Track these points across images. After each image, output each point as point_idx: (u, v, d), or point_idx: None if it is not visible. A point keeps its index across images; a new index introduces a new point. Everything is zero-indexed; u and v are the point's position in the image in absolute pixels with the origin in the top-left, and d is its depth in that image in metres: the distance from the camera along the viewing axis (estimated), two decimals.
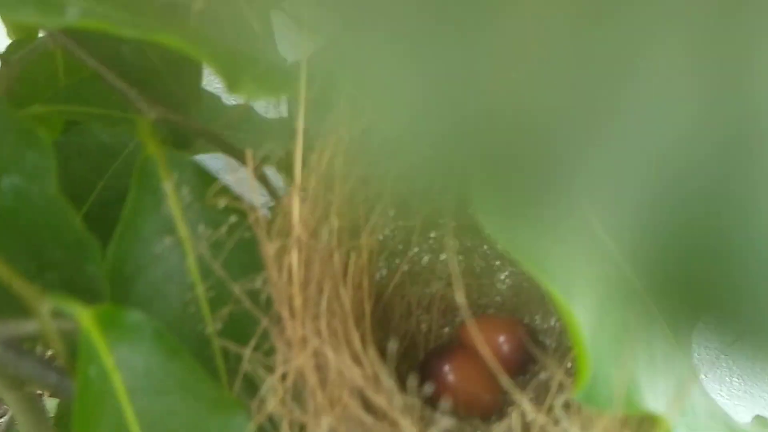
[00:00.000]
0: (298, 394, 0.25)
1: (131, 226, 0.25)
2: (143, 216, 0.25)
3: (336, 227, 0.25)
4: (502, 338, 0.32)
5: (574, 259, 0.19)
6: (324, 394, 0.24)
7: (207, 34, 0.23)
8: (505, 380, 0.21)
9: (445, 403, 0.30)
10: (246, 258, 0.26)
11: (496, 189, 0.15)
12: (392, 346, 0.25)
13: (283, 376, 0.24)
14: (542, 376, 0.32)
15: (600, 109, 0.07)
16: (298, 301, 0.25)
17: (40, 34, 0.42)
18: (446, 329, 0.34)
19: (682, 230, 0.07)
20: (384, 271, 0.33)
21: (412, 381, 0.24)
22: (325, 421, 0.24)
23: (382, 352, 0.28)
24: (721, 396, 0.57)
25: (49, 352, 0.30)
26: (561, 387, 0.22)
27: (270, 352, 0.26)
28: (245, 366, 0.25)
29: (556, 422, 0.19)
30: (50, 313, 0.21)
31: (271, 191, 0.30)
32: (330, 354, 0.24)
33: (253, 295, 0.26)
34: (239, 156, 0.28)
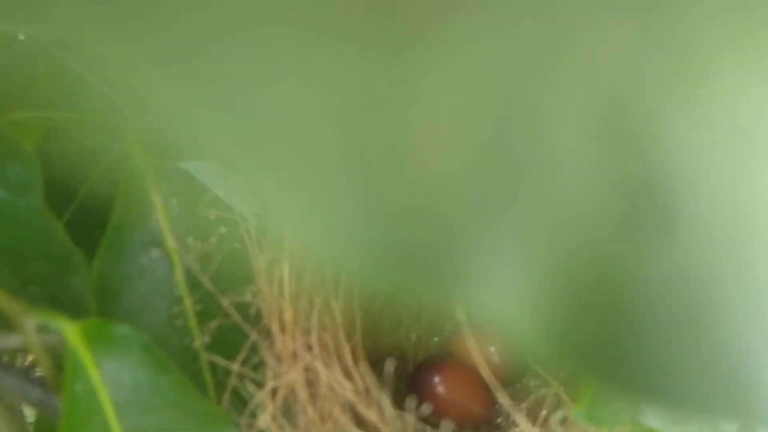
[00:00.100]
0: (288, 410, 0.24)
1: (117, 237, 0.25)
2: (130, 227, 0.25)
3: None
4: (492, 349, 0.32)
5: None
6: (315, 410, 0.24)
7: None
8: (500, 394, 0.21)
9: (433, 414, 0.30)
10: (235, 270, 0.26)
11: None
12: (389, 365, 0.25)
13: (273, 392, 0.24)
14: (532, 384, 0.32)
15: (505, 182, 0.07)
16: (288, 315, 0.24)
17: (21, 38, 0.41)
18: (436, 339, 0.34)
19: (584, 301, 0.07)
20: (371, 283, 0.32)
21: (410, 402, 0.24)
22: None
23: (372, 364, 0.28)
24: None
25: (31, 364, 0.29)
26: (557, 399, 0.22)
27: (259, 366, 0.26)
28: (234, 381, 0.25)
29: None
30: (35, 328, 0.20)
31: (263, 200, 0.30)
32: (321, 369, 0.24)
33: (242, 308, 0.26)
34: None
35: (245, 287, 0.25)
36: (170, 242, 0.25)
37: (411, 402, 0.26)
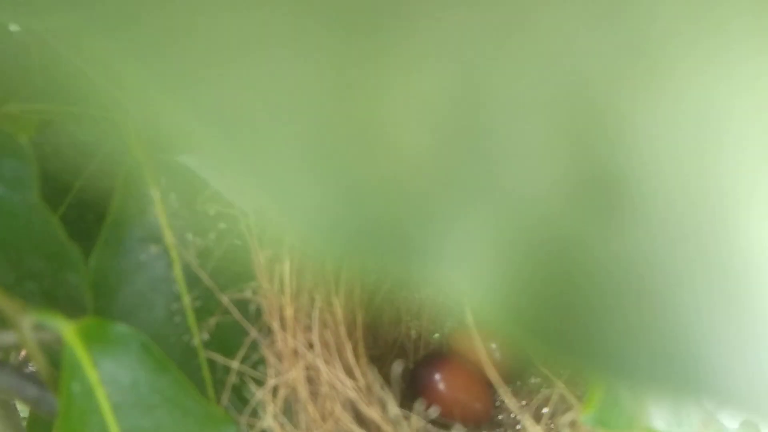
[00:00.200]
0: (288, 408, 0.24)
1: (115, 233, 0.24)
2: (128, 223, 0.24)
3: None
4: (493, 346, 0.31)
5: None
6: (316, 408, 0.24)
7: None
8: (504, 392, 0.20)
9: (435, 411, 0.29)
10: (234, 267, 0.25)
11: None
12: (396, 368, 0.24)
13: (274, 390, 0.24)
14: (534, 382, 0.32)
15: (469, 165, 0.07)
16: (289, 312, 0.24)
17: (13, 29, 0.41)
18: (436, 336, 0.33)
19: (541, 277, 0.08)
20: (373, 278, 0.32)
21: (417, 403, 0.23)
22: None
23: (373, 361, 0.27)
24: None
25: (25, 360, 0.29)
26: (562, 399, 0.22)
27: (259, 364, 0.25)
28: (233, 379, 0.25)
29: None
30: (32, 327, 0.20)
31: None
32: (322, 367, 0.24)
33: (242, 305, 0.25)
34: None
35: (245, 284, 0.25)
36: (169, 238, 0.25)
37: (417, 402, 0.26)
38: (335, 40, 0.07)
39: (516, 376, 0.32)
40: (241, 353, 0.25)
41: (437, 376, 0.31)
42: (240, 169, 0.07)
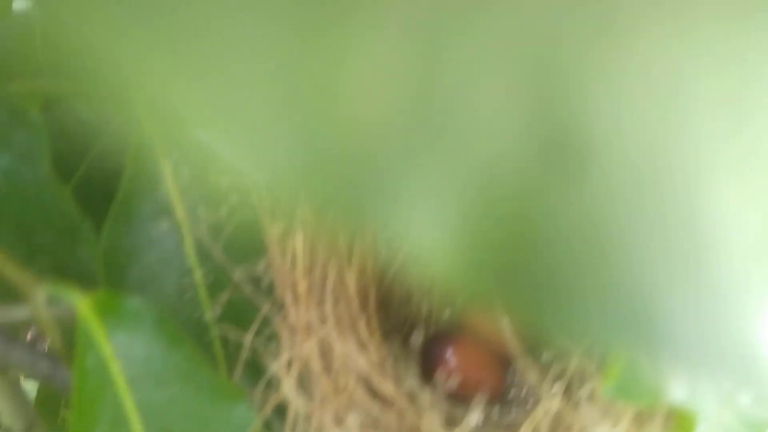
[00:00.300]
0: (301, 382, 0.24)
1: (126, 208, 0.24)
2: (139, 198, 0.24)
3: None
4: (506, 321, 0.31)
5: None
6: (329, 382, 0.23)
7: None
8: (525, 366, 0.20)
9: (449, 386, 0.29)
10: (246, 241, 0.25)
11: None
12: (416, 338, 0.24)
13: (287, 365, 0.24)
14: (546, 358, 0.32)
15: (429, 120, 0.07)
16: (302, 286, 0.24)
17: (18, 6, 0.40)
18: (447, 312, 0.33)
19: (500, 232, 0.08)
20: (384, 254, 0.32)
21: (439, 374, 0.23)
22: (332, 409, 0.23)
23: (384, 337, 0.27)
24: None
25: (36, 337, 0.29)
26: (580, 372, 0.21)
27: (271, 339, 0.25)
28: (246, 354, 0.25)
29: (579, 411, 0.18)
30: (45, 300, 0.20)
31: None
32: (336, 341, 0.24)
33: (254, 280, 0.25)
34: None
35: (257, 259, 0.25)
36: (180, 213, 0.24)
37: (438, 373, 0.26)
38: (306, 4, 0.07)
39: (529, 351, 0.32)
40: (254, 328, 0.24)
41: (449, 352, 0.30)
42: (222, 128, 0.07)
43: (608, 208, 0.08)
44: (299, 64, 0.07)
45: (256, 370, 0.25)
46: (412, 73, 0.07)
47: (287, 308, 0.24)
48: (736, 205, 0.08)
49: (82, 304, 0.20)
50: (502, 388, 0.31)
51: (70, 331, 0.22)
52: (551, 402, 0.18)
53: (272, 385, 0.24)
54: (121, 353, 0.21)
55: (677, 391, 0.19)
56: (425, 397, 0.26)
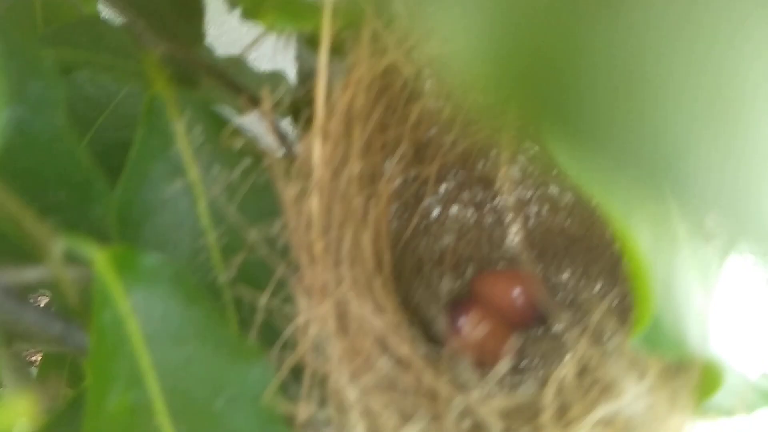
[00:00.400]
0: (318, 344, 0.24)
1: (139, 168, 0.24)
2: (151, 157, 0.24)
3: (357, 170, 0.24)
4: (516, 291, 0.31)
5: (634, 201, 0.18)
6: (346, 344, 0.23)
7: None
8: (555, 314, 0.20)
9: (463, 353, 0.29)
10: (260, 203, 0.25)
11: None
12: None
13: (304, 327, 0.23)
14: (557, 327, 0.32)
15: None
16: (318, 247, 0.23)
17: None
18: (458, 283, 0.33)
19: (535, 43, 0.08)
20: (395, 224, 0.31)
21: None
22: (348, 371, 0.23)
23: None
24: None
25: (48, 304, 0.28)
26: (608, 329, 0.21)
27: (286, 302, 0.25)
28: (261, 316, 0.24)
29: (606, 364, 0.18)
30: (61, 254, 0.19)
31: (281, 138, 0.29)
32: (353, 302, 0.23)
33: (269, 242, 0.25)
34: (248, 99, 0.26)
35: (272, 220, 0.24)
36: (193, 173, 0.24)
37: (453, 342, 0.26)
38: None
39: (540, 321, 0.31)
40: (269, 290, 0.24)
41: (461, 322, 0.30)
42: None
43: (640, 41, 0.08)
44: None
45: (271, 333, 0.24)
46: None
47: (303, 269, 0.23)
48: None
49: (99, 258, 0.20)
50: (514, 356, 0.31)
51: (86, 291, 0.22)
52: (577, 355, 0.18)
53: (288, 347, 0.24)
54: (139, 310, 0.20)
55: (704, 345, 0.19)
56: (441, 360, 0.25)
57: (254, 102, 0.25)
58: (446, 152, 0.30)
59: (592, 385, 0.19)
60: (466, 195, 0.33)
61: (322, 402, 0.23)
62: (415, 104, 0.27)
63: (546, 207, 0.33)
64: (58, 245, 0.19)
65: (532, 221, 0.33)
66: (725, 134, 0.08)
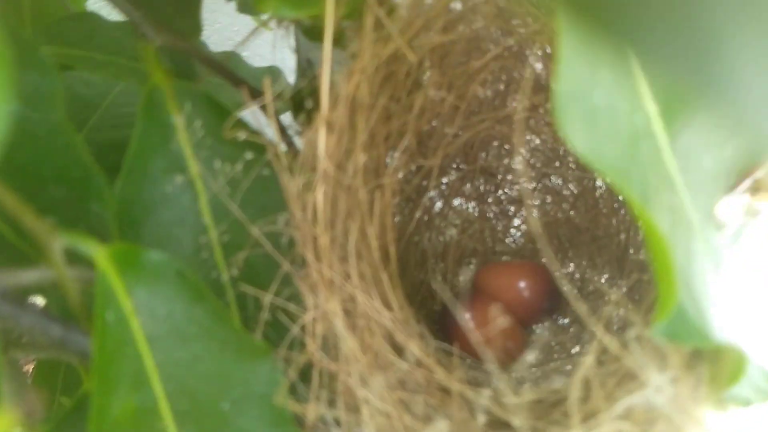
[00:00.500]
0: (325, 341, 0.23)
1: (138, 163, 0.23)
2: (151, 152, 0.23)
3: (362, 162, 0.24)
4: (522, 284, 0.31)
5: (650, 185, 0.17)
6: (355, 341, 0.23)
7: None
8: (579, 307, 0.19)
9: (466, 352, 0.29)
10: (263, 198, 0.24)
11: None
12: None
13: (310, 324, 0.23)
14: (565, 320, 0.31)
15: None
16: (324, 242, 0.23)
17: None
18: (461, 278, 0.33)
19: None
20: (397, 218, 0.31)
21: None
22: (357, 369, 0.22)
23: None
24: None
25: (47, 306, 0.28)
26: (629, 319, 0.21)
27: (291, 299, 0.24)
28: (266, 314, 0.24)
29: (628, 353, 0.17)
30: (62, 251, 0.19)
31: (282, 131, 0.28)
32: (360, 298, 0.23)
33: (273, 238, 0.24)
34: (249, 92, 0.25)
35: (276, 215, 0.24)
36: (194, 168, 0.23)
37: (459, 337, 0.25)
38: None
39: (546, 313, 0.31)
40: (273, 287, 0.24)
41: (467, 316, 0.30)
42: None
43: None
44: None
45: (276, 331, 0.24)
46: None
47: (309, 265, 0.23)
48: None
49: (101, 256, 0.19)
50: (522, 351, 0.30)
51: (86, 292, 0.21)
52: (598, 346, 0.17)
53: (294, 346, 0.23)
54: (142, 309, 0.20)
55: (725, 333, 0.18)
56: (451, 356, 0.25)
57: (254, 95, 0.25)
58: (448, 144, 0.30)
59: (614, 376, 0.19)
60: (468, 187, 0.33)
61: (331, 402, 0.23)
62: (418, 93, 0.26)
63: (549, 198, 0.33)
64: (58, 243, 0.18)
65: (535, 213, 0.33)
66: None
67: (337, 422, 0.23)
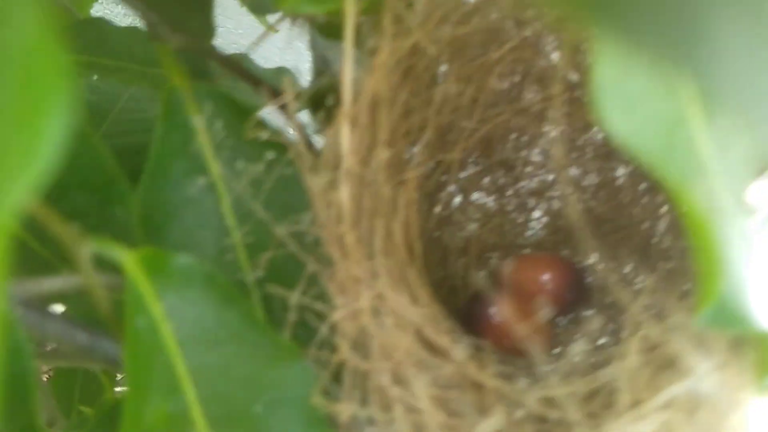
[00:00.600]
0: (356, 341, 0.23)
1: (159, 167, 0.23)
2: (172, 155, 0.23)
3: (385, 158, 0.23)
4: (545, 277, 0.30)
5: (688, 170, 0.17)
6: (385, 339, 0.22)
7: None
8: (623, 296, 0.19)
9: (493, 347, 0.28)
10: (287, 197, 0.24)
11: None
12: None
13: (340, 324, 0.22)
14: (587, 313, 0.31)
15: None
16: (350, 240, 0.22)
17: None
18: (482, 272, 0.32)
19: None
20: (418, 215, 0.31)
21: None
22: (389, 367, 0.22)
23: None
24: None
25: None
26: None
27: (317, 299, 0.24)
28: (292, 316, 0.23)
29: (671, 341, 0.17)
30: (90, 257, 0.18)
31: (300, 130, 0.28)
32: (390, 295, 0.22)
33: (297, 237, 0.24)
34: (268, 91, 0.25)
35: (299, 215, 0.23)
36: (215, 169, 0.23)
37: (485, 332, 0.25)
38: None
39: (571, 307, 0.31)
40: (300, 287, 0.23)
41: (493, 311, 0.29)
42: None
43: None
44: None
45: (304, 332, 0.24)
46: None
47: (336, 264, 0.22)
48: None
49: (129, 261, 0.19)
50: (548, 345, 0.30)
51: (112, 299, 0.21)
52: (641, 334, 0.17)
53: (324, 346, 0.23)
54: (172, 314, 0.19)
55: (765, 319, 0.18)
56: (481, 352, 0.25)
57: (272, 94, 0.24)
58: (467, 137, 0.29)
59: (652, 364, 0.18)
60: (486, 181, 0.32)
61: (364, 401, 0.22)
62: (437, 87, 0.26)
63: (569, 189, 0.32)
64: (86, 249, 0.18)
65: (555, 204, 0.32)
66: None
67: (371, 421, 0.22)
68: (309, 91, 0.26)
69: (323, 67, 0.28)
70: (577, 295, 0.30)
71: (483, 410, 0.22)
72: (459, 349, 0.23)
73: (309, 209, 0.23)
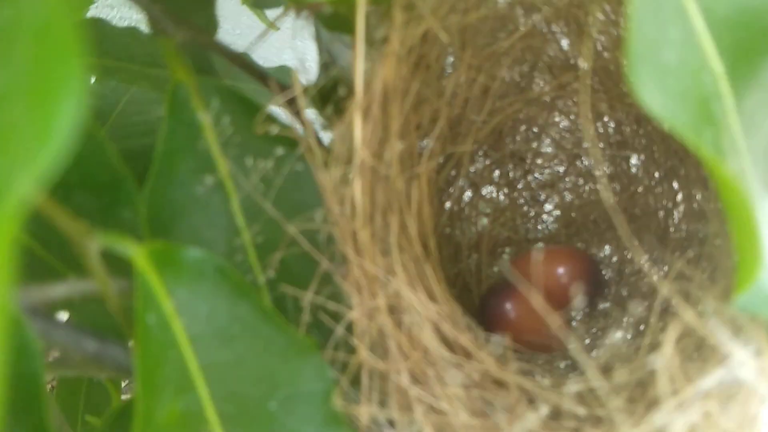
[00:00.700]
0: (373, 340, 0.22)
1: (166, 165, 0.22)
2: (178, 153, 0.22)
3: (398, 150, 0.23)
4: (561, 270, 0.30)
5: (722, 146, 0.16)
6: (403, 337, 0.22)
7: None
8: (661, 286, 0.18)
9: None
10: (297, 194, 0.23)
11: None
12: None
13: (356, 323, 0.22)
14: (603, 307, 0.30)
15: None
16: (364, 236, 0.22)
17: None
18: (495, 268, 0.32)
19: None
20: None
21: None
22: (407, 366, 0.21)
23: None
24: None
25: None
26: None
27: (330, 298, 0.23)
28: (306, 316, 0.23)
29: (710, 329, 0.16)
30: (98, 252, 0.18)
31: (306, 126, 0.27)
32: (406, 293, 0.22)
33: (309, 235, 0.23)
34: (276, 86, 0.25)
35: (311, 212, 0.23)
36: (223, 167, 0.22)
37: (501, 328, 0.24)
38: None
39: (589, 299, 0.30)
40: (313, 287, 0.22)
41: (508, 306, 0.29)
42: None
43: None
44: None
45: (319, 332, 0.23)
46: None
47: (349, 261, 0.22)
48: None
49: (139, 255, 0.18)
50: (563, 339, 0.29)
51: (124, 305, 0.20)
52: (679, 322, 0.16)
53: (339, 347, 0.22)
54: (183, 310, 0.19)
55: None
56: (500, 348, 0.24)
57: (279, 89, 0.24)
58: (478, 129, 0.29)
59: (687, 352, 0.18)
60: (497, 174, 0.32)
61: (383, 402, 0.22)
62: (449, 77, 0.25)
63: (581, 180, 0.32)
64: (94, 245, 0.17)
65: (567, 196, 0.32)
66: None
67: (391, 423, 0.21)
68: (317, 85, 0.25)
69: (329, 60, 0.27)
70: (592, 287, 0.30)
71: (509, 408, 0.21)
72: (479, 347, 0.22)
73: (320, 206, 0.22)
